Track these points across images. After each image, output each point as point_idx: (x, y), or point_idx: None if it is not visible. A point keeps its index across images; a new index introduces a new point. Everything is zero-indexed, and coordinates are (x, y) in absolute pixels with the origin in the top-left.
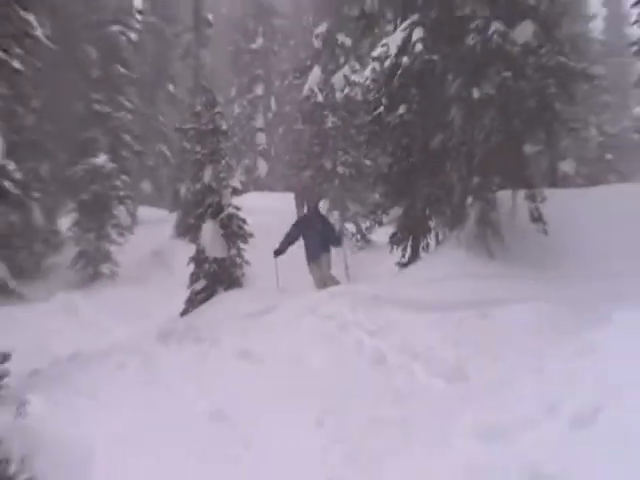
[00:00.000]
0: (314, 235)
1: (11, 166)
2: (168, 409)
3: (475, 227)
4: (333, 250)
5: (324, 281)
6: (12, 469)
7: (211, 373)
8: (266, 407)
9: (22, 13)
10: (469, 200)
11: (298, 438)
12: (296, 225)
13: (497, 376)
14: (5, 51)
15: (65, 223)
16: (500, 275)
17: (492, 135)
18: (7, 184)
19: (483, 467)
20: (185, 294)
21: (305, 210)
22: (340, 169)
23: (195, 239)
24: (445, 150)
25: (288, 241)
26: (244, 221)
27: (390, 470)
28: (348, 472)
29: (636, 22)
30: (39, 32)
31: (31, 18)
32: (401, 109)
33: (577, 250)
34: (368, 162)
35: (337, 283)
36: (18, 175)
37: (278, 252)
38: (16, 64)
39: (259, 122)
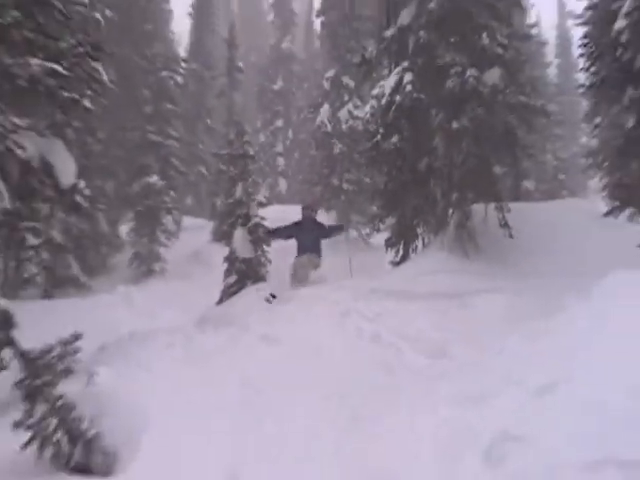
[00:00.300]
0: (308, 238)
1: (82, 184)
2: (206, 379)
3: (454, 233)
4: (338, 252)
5: (300, 274)
6: (84, 426)
7: (241, 351)
8: (285, 378)
9: (92, 63)
10: (450, 211)
11: (310, 402)
12: (290, 226)
13: (472, 354)
14: (79, 93)
15: (124, 230)
16: (475, 272)
17: (468, 159)
18: (79, 199)
19: (461, 428)
20: (220, 287)
21: (301, 217)
22: (345, 186)
23: (228, 243)
24: (430, 171)
25: (280, 233)
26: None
27: (386, 427)
28: (353, 428)
29: (582, 69)
30: (105, 77)
31: (99, 66)
32: (394, 138)
33: (537, 252)
34: (368, 180)
35: (308, 282)
36: (87, 192)
37: (269, 233)
38: (87, 103)
39: (279, 148)
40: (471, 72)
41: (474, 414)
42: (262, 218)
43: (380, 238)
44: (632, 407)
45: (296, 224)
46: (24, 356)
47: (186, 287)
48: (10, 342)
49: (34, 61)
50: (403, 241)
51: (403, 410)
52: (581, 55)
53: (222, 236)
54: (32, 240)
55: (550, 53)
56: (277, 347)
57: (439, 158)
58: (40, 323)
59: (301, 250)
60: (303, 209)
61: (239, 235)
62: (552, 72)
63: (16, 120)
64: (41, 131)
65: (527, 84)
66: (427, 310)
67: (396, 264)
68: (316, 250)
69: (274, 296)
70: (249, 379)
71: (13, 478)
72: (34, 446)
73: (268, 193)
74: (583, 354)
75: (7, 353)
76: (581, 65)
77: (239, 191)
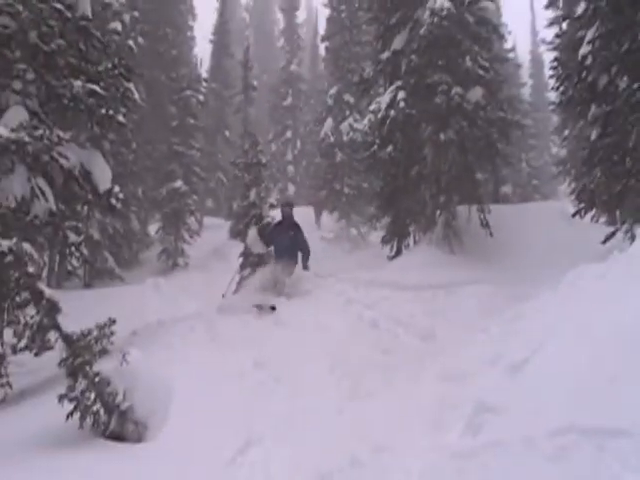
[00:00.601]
0: (285, 240)
1: (117, 189)
2: (224, 359)
3: (442, 231)
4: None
5: (275, 281)
6: (118, 399)
7: (254, 335)
8: (294, 358)
9: (125, 83)
10: (437, 212)
11: (317, 379)
12: (271, 232)
13: (457, 336)
14: (114, 110)
15: (153, 228)
16: (460, 266)
17: (453, 166)
18: (114, 201)
19: (446, 399)
20: (236, 278)
21: (281, 217)
22: (346, 190)
23: (243, 240)
24: (420, 177)
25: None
26: None
27: (382, 398)
28: (353, 400)
29: (552, 89)
30: (136, 96)
31: (131, 86)
32: (389, 148)
33: (513, 248)
34: (366, 185)
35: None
36: (121, 195)
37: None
38: (121, 119)
39: (289, 157)
40: (456, 90)
41: (457, 389)
42: (273, 218)
43: (377, 236)
44: (591, 380)
45: (276, 227)
46: (67, 338)
47: (206, 279)
48: (55, 326)
49: (76, 83)
50: (397, 238)
51: (397, 387)
52: (551, 76)
53: (238, 234)
54: (73, 237)
55: (525, 74)
56: (287, 331)
57: (428, 166)
58: (81, 309)
59: (279, 251)
60: (282, 207)
61: (252, 233)
62: (526, 91)
63: (60, 133)
64: (82, 143)
65: (505, 101)
66: (418, 298)
67: (391, 258)
68: (293, 253)
69: (260, 306)
70: (262, 358)
71: (60, 444)
72: (76, 417)
73: (278, 196)
74: (551, 335)
75: (53, 335)
76: (552, 85)
77: (253, 195)
